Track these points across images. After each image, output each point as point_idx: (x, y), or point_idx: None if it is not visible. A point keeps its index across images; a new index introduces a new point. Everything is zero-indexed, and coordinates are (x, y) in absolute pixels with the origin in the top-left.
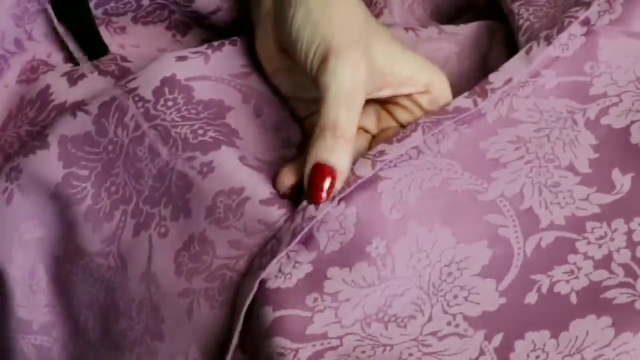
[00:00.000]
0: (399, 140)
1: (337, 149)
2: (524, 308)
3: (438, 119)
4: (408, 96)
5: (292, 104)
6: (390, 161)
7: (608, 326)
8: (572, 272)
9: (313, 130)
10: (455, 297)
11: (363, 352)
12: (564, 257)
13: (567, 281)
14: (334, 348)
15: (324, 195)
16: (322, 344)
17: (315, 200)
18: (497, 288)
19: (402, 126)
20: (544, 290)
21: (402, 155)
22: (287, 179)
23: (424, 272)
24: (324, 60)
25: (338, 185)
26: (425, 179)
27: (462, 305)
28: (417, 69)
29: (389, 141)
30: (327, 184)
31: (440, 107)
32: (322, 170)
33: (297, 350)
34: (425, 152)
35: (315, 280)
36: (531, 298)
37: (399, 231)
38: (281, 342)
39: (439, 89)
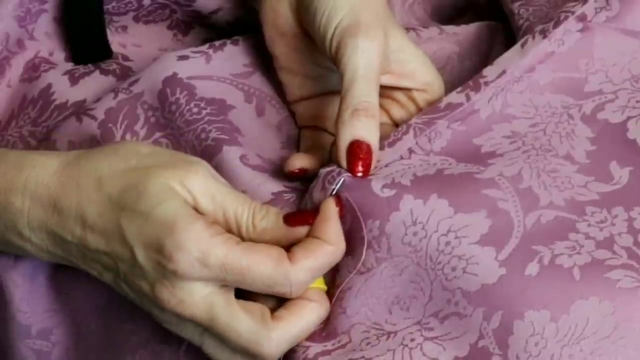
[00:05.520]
0: (390, 145)
1: (372, 128)
2: (524, 280)
3: (430, 118)
4: (406, 91)
5: (286, 80)
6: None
7: (610, 314)
8: (574, 247)
9: (339, 109)
10: (454, 269)
11: (368, 343)
12: (565, 234)
13: (570, 255)
14: (343, 346)
15: (362, 169)
16: (333, 344)
17: (355, 172)
18: (496, 257)
19: (395, 125)
20: (545, 261)
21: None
22: (299, 161)
23: (420, 245)
24: (351, 35)
25: (374, 161)
26: (418, 171)
27: (460, 279)
28: (421, 66)
29: (380, 146)
30: (362, 161)
31: (432, 105)
32: (360, 146)
33: (307, 347)
34: (417, 152)
35: (329, 276)
36: (532, 269)
37: (391, 207)
38: None
39: (437, 91)
